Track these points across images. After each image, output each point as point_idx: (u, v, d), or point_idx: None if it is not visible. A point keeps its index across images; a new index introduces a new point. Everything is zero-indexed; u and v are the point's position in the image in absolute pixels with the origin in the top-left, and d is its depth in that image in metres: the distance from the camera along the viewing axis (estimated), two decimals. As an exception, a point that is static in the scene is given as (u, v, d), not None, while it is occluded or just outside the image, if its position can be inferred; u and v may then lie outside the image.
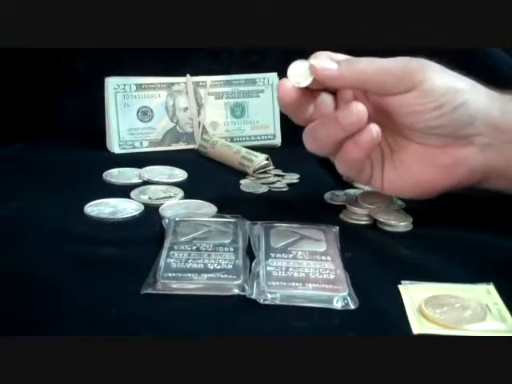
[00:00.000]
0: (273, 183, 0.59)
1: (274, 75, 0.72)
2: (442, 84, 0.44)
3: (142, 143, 0.70)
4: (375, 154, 0.48)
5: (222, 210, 0.51)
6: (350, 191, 0.56)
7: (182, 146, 0.71)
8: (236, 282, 0.40)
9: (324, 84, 0.46)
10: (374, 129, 0.45)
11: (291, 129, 0.71)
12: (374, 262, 0.44)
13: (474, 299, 0.39)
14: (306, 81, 0.45)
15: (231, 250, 0.44)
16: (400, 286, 0.40)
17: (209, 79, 0.71)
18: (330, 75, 0.45)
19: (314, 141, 0.47)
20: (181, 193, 0.56)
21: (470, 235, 0.48)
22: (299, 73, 0.45)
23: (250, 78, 0.72)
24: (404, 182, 0.48)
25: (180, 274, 0.40)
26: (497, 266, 0.43)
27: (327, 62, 0.45)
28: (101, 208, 0.51)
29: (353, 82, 0.45)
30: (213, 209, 0.52)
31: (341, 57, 0.46)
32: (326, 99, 0.47)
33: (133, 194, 0.55)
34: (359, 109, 0.44)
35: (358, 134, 0.45)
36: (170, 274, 0.40)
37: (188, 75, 0.70)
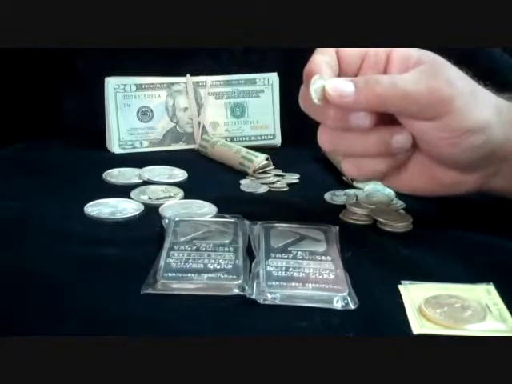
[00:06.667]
0: (273, 183, 0.59)
1: (274, 75, 0.72)
2: (468, 121, 0.41)
3: (141, 143, 0.70)
4: None
5: (222, 210, 0.51)
6: (350, 191, 0.56)
7: (181, 146, 0.71)
8: (236, 282, 0.40)
9: (345, 107, 0.41)
10: (410, 149, 0.44)
11: (291, 129, 0.71)
12: (374, 262, 0.44)
13: (474, 299, 0.39)
14: (319, 102, 0.41)
15: (231, 250, 0.44)
16: (400, 286, 0.40)
17: (209, 79, 0.71)
18: (346, 102, 0.41)
19: (339, 144, 0.44)
20: (181, 193, 0.56)
21: (470, 235, 0.48)
22: (316, 88, 0.41)
23: (250, 78, 0.72)
24: (401, 183, 0.46)
25: (180, 274, 0.40)
26: (497, 266, 0.43)
27: (342, 83, 0.41)
28: (101, 208, 0.51)
29: (371, 107, 0.41)
30: (213, 209, 0.52)
31: (348, 53, 0.45)
32: None
33: (133, 194, 0.55)
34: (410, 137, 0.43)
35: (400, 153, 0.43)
36: (169, 274, 0.40)
37: (188, 75, 0.70)
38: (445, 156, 0.43)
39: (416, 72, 0.42)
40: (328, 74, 0.42)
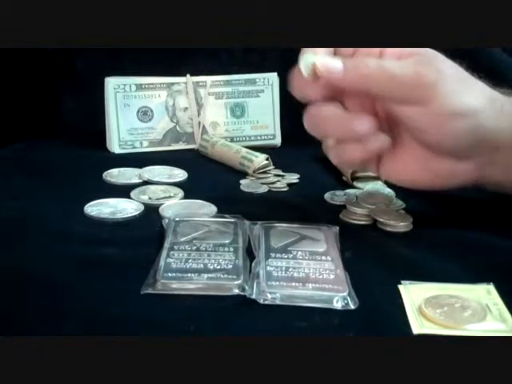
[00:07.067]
0: (273, 183, 0.59)
1: (274, 75, 0.72)
2: (453, 105, 0.42)
3: (141, 143, 0.70)
4: None
5: (222, 210, 0.51)
6: (350, 191, 0.56)
7: (181, 146, 0.71)
8: (236, 282, 0.40)
9: (332, 84, 0.43)
10: (386, 139, 0.44)
11: (291, 129, 0.71)
12: (374, 262, 0.44)
13: (474, 299, 0.39)
14: (309, 76, 0.43)
15: (231, 250, 0.44)
16: (400, 286, 0.40)
17: (209, 79, 0.71)
18: (334, 78, 0.42)
19: (315, 126, 0.45)
20: (181, 193, 0.56)
21: (470, 235, 0.48)
22: (307, 63, 0.43)
23: (250, 78, 0.72)
24: (397, 174, 0.47)
25: (180, 274, 0.40)
26: (497, 266, 0.43)
27: (332, 60, 0.43)
28: (101, 208, 0.51)
29: (357, 87, 0.43)
30: (213, 209, 0.52)
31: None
32: None
33: (133, 194, 0.55)
34: (371, 122, 0.43)
35: (368, 141, 0.43)
36: (169, 274, 0.40)
37: (188, 75, 0.70)
38: (433, 142, 0.43)
39: (407, 60, 0.42)
40: (321, 52, 0.44)
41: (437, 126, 0.42)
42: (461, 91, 0.42)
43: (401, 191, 0.54)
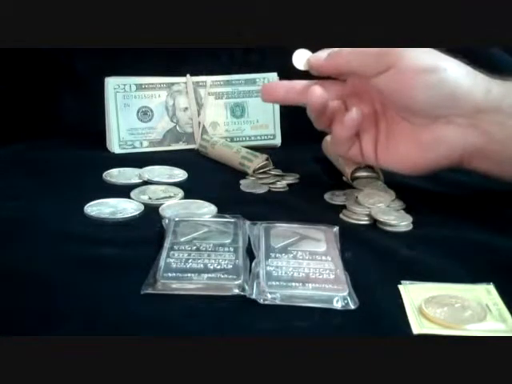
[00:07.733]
0: (273, 183, 0.59)
1: (274, 75, 0.72)
2: (419, 61, 0.47)
3: (142, 143, 0.70)
4: (368, 129, 0.51)
5: (222, 210, 0.51)
6: (350, 191, 0.56)
7: (181, 146, 0.71)
8: (236, 282, 0.40)
9: (317, 71, 0.52)
10: (356, 110, 0.50)
11: (291, 129, 0.71)
12: (374, 261, 0.44)
13: (473, 299, 0.39)
14: (304, 67, 0.52)
15: (231, 250, 0.44)
16: (400, 286, 0.40)
17: (209, 79, 0.71)
18: (319, 63, 0.51)
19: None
20: (181, 193, 0.56)
21: (470, 235, 0.48)
22: (300, 59, 0.52)
23: (250, 78, 0.72)
24: (392, 156, 0.51)
25: (180, 274, 0.40)
26: (497, 266, 0.43)
27: (318, 53, 0.51)
28: (101, 208, 0.51)
29: (336, 66, 0.51)
30: (213, 209, 0.52)
31: None
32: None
33: (133, 194, 0.55)
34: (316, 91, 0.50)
35: (343, 115, 0.51)
36: (169, 274, 0.40)
37: (188, 75, 0.70)
38: (408, 101, 0.48)
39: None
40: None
41: (407, 82, 0.47)
42: (426, 54, 0.47)
43: (401, 191, 0.54)
